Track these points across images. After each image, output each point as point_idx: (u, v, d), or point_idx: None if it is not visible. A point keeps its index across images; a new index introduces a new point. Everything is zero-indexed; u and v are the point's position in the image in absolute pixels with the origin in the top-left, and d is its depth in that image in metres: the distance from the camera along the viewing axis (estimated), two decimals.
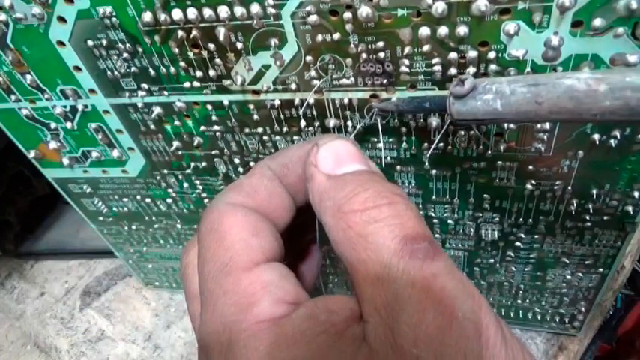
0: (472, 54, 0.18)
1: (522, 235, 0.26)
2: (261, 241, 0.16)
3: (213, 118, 0.24)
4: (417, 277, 0.13)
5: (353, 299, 0.15)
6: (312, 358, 0.13)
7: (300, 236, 0.22)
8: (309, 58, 0.20)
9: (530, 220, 0.25)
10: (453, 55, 0.18)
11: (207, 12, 0.19)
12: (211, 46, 0.20)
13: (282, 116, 0.23)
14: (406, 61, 0.19)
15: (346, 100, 0.21)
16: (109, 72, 0.23)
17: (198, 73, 0.22)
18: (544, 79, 0.14)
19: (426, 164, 0.24)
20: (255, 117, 0.23)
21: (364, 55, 0.19)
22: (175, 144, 0.26)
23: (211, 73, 0.22)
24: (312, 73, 0.21)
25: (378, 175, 0.16)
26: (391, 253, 0.13)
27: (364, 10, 0.17)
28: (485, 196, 0.25)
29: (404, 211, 0.14)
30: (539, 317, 0.33)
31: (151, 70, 0.22)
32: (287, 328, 0.14)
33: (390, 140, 0.23)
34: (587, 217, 0.24)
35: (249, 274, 0.15)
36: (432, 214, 0.27)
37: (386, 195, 0.15)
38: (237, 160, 0.26)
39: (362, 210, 0.14)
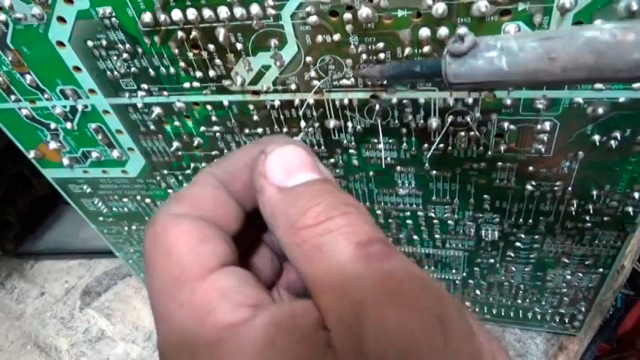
0: None
1: (522, 236, 0.26)
2: (212, 247, 0.15)
3: (213, 118, 0.24)
4: (374, 279, 0.13)
5: (314, 309, 0.14)
6: None
7: (256, 235, 0.21)
8: (309, 59, 0.20)
9: (531, 221, 0.25)
10: None
11: (207, 12, 0.19)
12: (211, 47, 0.20)
13: (282, 117, 0.23)
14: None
15: (346, 101, 0.21)
16: (108, 72, 0.23)
17: (198, 74, 0.22)
18: (560, 32, 0.12)
19: (427, 165, 0.23)
20: (255, 117, 0.23)
21: (364, 56, 0.19)
22: (175, 144, 0.26)
23: (211, 73, 0.22)
24: (312, 73, 0.21)
25: (330, 183, 0.16)
26: (347, 259, 0.13)
27: (364, 11, 0.17)
28: (485, 196, 0.25)
29: (356, 219, 0.14)
30: (539, 317, 0.33)
31: (150, 70, 0.22)
32: (249, 334, 0.13)
33: (391, 141, 0.23)
34: (588, 218, 0.24)
35: (203, 283, 0.14)
36: (432, 215, 0.27)
37: (338, 207, 0.14)
38: None
39: (315, 224, 0.14)
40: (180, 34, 0.20)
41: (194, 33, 0.20)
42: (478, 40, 0.14)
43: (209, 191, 0.17)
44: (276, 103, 0.22)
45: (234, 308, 0.14)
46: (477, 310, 0.34)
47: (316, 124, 0.23)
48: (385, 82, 0.19)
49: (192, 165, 0.27)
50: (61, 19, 0.21)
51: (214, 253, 0.15)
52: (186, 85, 0.22)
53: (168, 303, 0.14)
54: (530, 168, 0.22)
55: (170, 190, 0.30)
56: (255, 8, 0.19)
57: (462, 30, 0.14)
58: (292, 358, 0.13)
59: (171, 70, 0.22)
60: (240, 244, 0.18)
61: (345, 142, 0.24)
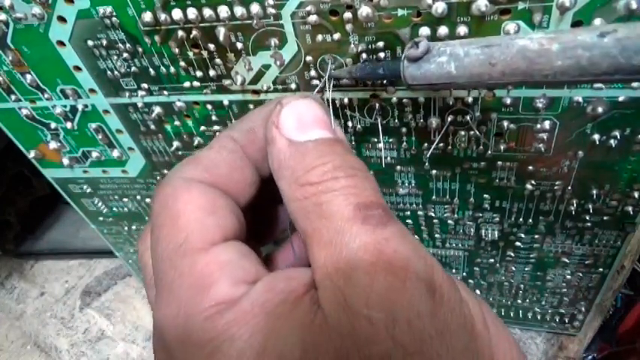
0: None
1: (522, 235, 0.26)
2: (219, 219, 0.15)
3: (214, 118, 0.24)
4: (368, 242, 0.13)
5: (309, 271, 0.15)
6: (272, 329, 0.13)
7: (270, 206, 0.21)
8: (309, 58, 0.20)
9: (530, 220, 0.25)
10: None
11: (208, 12, 0.19)
12: (211, 46, 0.20)
13: None
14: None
15: (346, 100, 0.21)
16: (109, 72, 0.23)
17: (199, 73, 0.22)
18: (497, 40, 0.14)
19: (426, 164, 0.24)
20: None
21: (364, 55, 0.19)
22: (175, 144, 0.26)
23: (211, 73, 0.22)
24: (312, 73, 0.21)
25: (341, 144, 0.16)
26: (344, 219, 0.13)
27: (364, 10, 0.17)
28: (485, 196, 0.25)
29: (361, 182, 0.14)
30: (539, 317, 0.33)
31: (151, 70, 0.22)
32: (245, 305, 0.13)
33: (390, 140, 0.23)
34: (587, 217, 0.24)
35: (205, 255, 0.14)
36: (432, 214, 0.27)
37: (344, 169, 0.14)
38: None
39: (319, 182, 0.14)
40: (180, 33, 0.20)
41: (194, 32, 0.20)
42: (431, 46, 0.15)
43: (225, 155, 0.17)
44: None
45: (232, 284, 0.14)
46: None
47: None
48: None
49: None
50: (62, 19, 0.21)
51: (220, 226, 0.15)
52: (187, 84, 0.22)
53: (168, 270, 0.14)
54: (530, 167, 0.22)
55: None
56: (255, 7, 0.19)
57: (418, 38, 0.16)
58: (286, 321, 0.13)
59: (172, 69, 0.22)
60: (254, 213, 0.18)
61: None
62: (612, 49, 0.12)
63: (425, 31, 0.18)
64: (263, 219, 0.20)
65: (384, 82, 0.20)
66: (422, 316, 0.12)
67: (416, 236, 0.29)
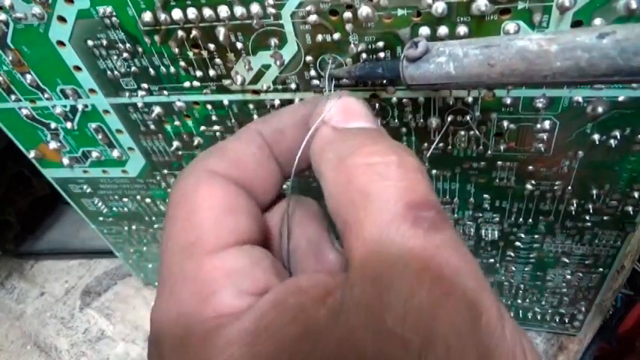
0: None
1: (522, 235, 0.26)
2: (237, 220, 0.14)
3: (214, 118, 0.24)
4: (416, 247, 0.11)
5: (329, 277, 0.13)
6: (280, 356, 0.11)
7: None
8: (309, 58, 0.20)
9: (530, 220, 0.25)
10: None
11: (207, 12, 0.19)
12: (211, 46, 0.20)
13: None
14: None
15: None
16: (109, 72, 0.23)
17: (198, 73, 0.22)
18: (497, 41, 0.14)
19: (426, 164, 0.23)
20: (256, 117, 0.23)
21: (364, 55, 0.19)
22: (175, 144, 0.26)
23: (211, 73, 0.22)
24: (312, 72, 0.21)
25: (390, 138, 0.14)
26: (392, 216, 0.11)
27: (364, 10, 0.17)
28: (485, 196, 0.25)
29: (414, 173, 0.13)
30: (539, 317, 0.33)
31: (150, 69, 0.22)
32: (248, 323, 0.12)
33: None
34: (587, 217, 0.24)
35: (213, 259, 0.13)
36: None
37: (396, 151, 0.13)
38: None
39: (368, 164, 0.13)
40: (180, 33, 0.20)
41: (194, 32, 0.20)
42: (430, 46, 0.15)
43: (252, 150, 0.16)
44: (277, 102, 0.22)
45: (238, 294, 0.13)
46: None
47: None
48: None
49: None
50: (62, 19, 0.21)
51: (235, 228, 0.14)
52: (187, 84, 0.22)
53: (173, 269, 0.14)
54: (530, 167, 0.22)
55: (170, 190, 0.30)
56: (255, 7, 0.19)
57: (417, 38, 0.16)
58: (297, 347, 0.11)
59: (172, 69, 0.22)
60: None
61: None
62: (611, 51, 0.12)
63: (425, 31, 0.18)
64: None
65: (384, 81, 0.20)
66: (463, 339, 0.10)
67: None
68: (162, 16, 0.19)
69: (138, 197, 0.31)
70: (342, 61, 0.20)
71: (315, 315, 0.12)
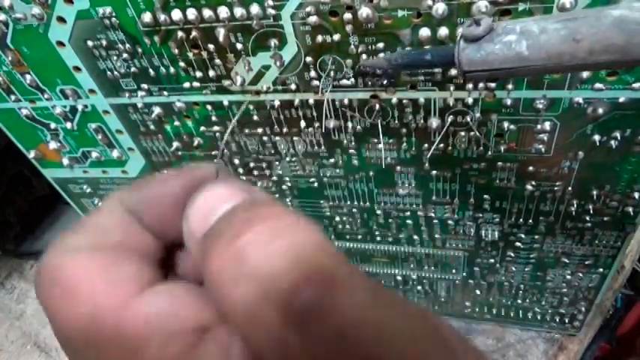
0: None
1: (522, 236, 0.26)
2: (129, 268, 0.12)
3: (213, 118, 0.24)
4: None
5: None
6: None
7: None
8: (309, 59, 0.20)
9: (531, 221, 0.25)
10: None
11: (207, 12, 0.19)
12: (211, 47, 0.20)
13: (281, 117, 0.23)
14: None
15: (346, 101, 0.21)
16: (108, 72, 0.23)
17: (198, 74, 0.22)
18: (582, 13, 0.12)
19: (426, 165, 0.23)
20: (255, 117, 0.23)
21: (364, 56, 0.19)
22: (175, 144, 0.26)
23: (211, 73, 0.22)
24: (312, 73, 0.21)
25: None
26: (275, 331, 0.10)
27: (364, 11, 0.17)
28: (485, 196, 0.25)
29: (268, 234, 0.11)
30: (539, 317, 0.33)
31: (150, 70, 0.22)
32: None
33: (391, 141, 0.23)
34: (588, 218, 0.24)
35: (127, 313, 0.11)
36: (432, 215, 0.27)
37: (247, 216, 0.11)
38: (237, 161, 0.26)
39: (224, 259, 0.11)
40: (180, 34, 0.20)
41: (194, 33, 0.20)
42: (495, 24, 0.13)
43: (116, 219, 0.13)
44: (276, 103, 0.22)
45: (169, 338, 0.11)
46: (477, 310, 0.34)
47: (316, 124, 0.23)
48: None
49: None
50: (61, 19, 0.21)
51: (132, 276, 0.12)
52: (186, 85, 0.22)
53: (84, 350, 0.11)
54: (530, 168, 0.22)
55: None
56: (255, 8, 0.19)
57: (479, 15, 0.13)
58: None
59: (171, 70, 0.22)
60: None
61: (345, 142, 0.23)
62: None
63: (425, 32, 0.18)
64: None
65: (384, 75, 0.19)
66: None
67: (416, 236, 0.29)
68: (162, 17, 0.19)
69: None
70: (342, 63, 0.20)
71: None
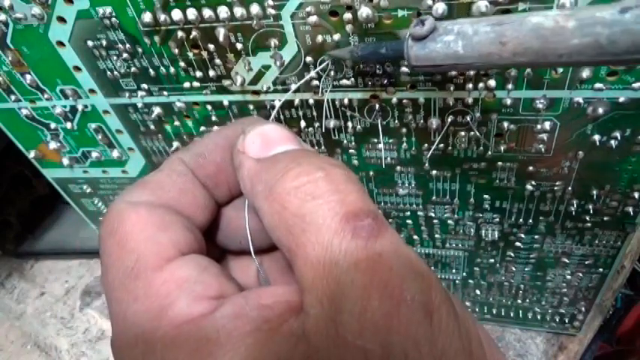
0: None
1: (522, 236, 0.26)
2: (172, 234, 0.14)
3: (213, 118, 0.24)
4: (360, 259, 0.11)
5: (291, 290, 0.13)
6: None
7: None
8: (309, 59, 0.20)
9: (531, 221, 0.25)
10: None
11: (207, 12, 0.19)
12: (211, 47, 0.20)
13: (281, 117, 0.23)
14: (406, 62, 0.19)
15: (346, 101, 0.21)
16: (108, 72, 0.23)
17: (198, 74, 0.22)
18: (510, 18, 0.13)
19: (426, 165, 0.23)
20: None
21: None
22: (175, 144, 0.26)
23: (211, 73, 0.22)
24: (313, 73, 0.21)
25: (313, 151, 0.15)
26: (332, 233, 0.12)
27: (364, 11, 0.17)
28: (485, 196, 0.25)
29: (343, 184, 0.13)
30: (539, 317, 0.33)
31: (150, 70, 0.22)
32: (209, 331, 0.12)
33: (390, 141, 0.23)
34: (588, 218, 0.24)
35: (161, 273, 0.13)
36: (432, 215, 0.27)
37: (322, 166, 0.13)
38: None
39: (296, 186, 0.13)
40: (180, 34, 0.20)
41: (194, 33, 0.20)
42: (438, 24, 0.14)
43: (174, 178, 0.16)
44: (276, 103, 0.22)
45: (193, 300, 0.13)
46: (477, 310, 0.34)
47: (316, 124, 0.23)
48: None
49: None
50: (61, 19, 0.21)
51: (173, 241, 0.14)
52: (187, 85, 0.22)
53: (122, 296, 0.13)
54: (530, 168, 0.22)
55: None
56: (255, 8, 0.19)
57: (424, 16, 0.15)
58: (259, 356, 0.11)
59: (172, 70, 0.22)
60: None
61: (345, 142, 0.24)
62: (634, 26, 0.11)
63: None
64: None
65: (384, 79, 0.20)
66: (419, 345, 0.11)
67: (416, 236, 0.29)
68: (162, 17, 0.19)
69: None
70: (342, 63, 0.20)
71: (280, 331, 0.12)
